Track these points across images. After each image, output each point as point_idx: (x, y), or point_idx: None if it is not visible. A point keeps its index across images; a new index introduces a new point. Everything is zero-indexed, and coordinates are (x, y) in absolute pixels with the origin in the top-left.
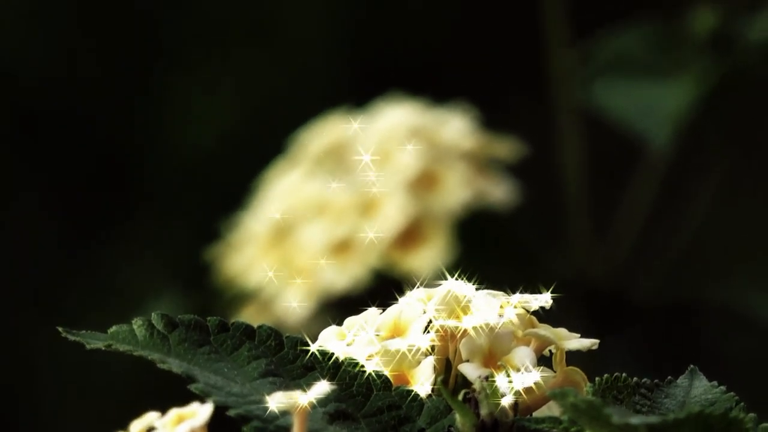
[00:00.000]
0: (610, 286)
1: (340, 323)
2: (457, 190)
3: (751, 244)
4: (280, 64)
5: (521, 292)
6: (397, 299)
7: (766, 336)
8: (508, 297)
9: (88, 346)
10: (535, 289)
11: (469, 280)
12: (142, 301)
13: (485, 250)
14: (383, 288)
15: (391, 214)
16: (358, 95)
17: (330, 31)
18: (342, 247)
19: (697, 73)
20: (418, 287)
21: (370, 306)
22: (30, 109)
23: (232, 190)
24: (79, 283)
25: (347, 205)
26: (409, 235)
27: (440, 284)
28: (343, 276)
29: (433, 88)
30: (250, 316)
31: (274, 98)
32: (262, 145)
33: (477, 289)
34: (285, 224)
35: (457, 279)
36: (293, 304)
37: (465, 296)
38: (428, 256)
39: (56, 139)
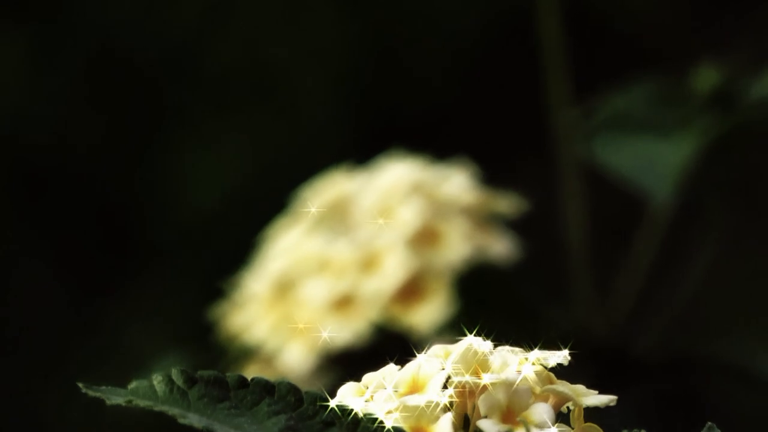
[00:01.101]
0: (612, 342)
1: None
2: (457, 246)
3: (754, 301)
4: (283, 123)
5: (540, 348)
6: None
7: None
8: (526, 353)
9: (108, 402)
10: (539, 345)
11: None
12: (145, 359)
13: (486, 305)
14: (384, 343)
15: (392, 270)
16: (363, 154)
17: (333, 90)
18: (343, 303)
19: (699, 129)
20: (431, 344)
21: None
22: (33, 170)
23: (236, 248)
24: (84, 342)
25: (348, 260)
26: (410, 291)
27: (459, 340)
28: (344, 331)
29: (435, 145)
30: (252, 373)
31: (277, 157)
32: (266, 204)
33: (495, 346)
34: (287, 281)
35: (475, 335)
36: (295, 359)
37: (483, 353)
38: (429, 311)
39: (59, 200)
